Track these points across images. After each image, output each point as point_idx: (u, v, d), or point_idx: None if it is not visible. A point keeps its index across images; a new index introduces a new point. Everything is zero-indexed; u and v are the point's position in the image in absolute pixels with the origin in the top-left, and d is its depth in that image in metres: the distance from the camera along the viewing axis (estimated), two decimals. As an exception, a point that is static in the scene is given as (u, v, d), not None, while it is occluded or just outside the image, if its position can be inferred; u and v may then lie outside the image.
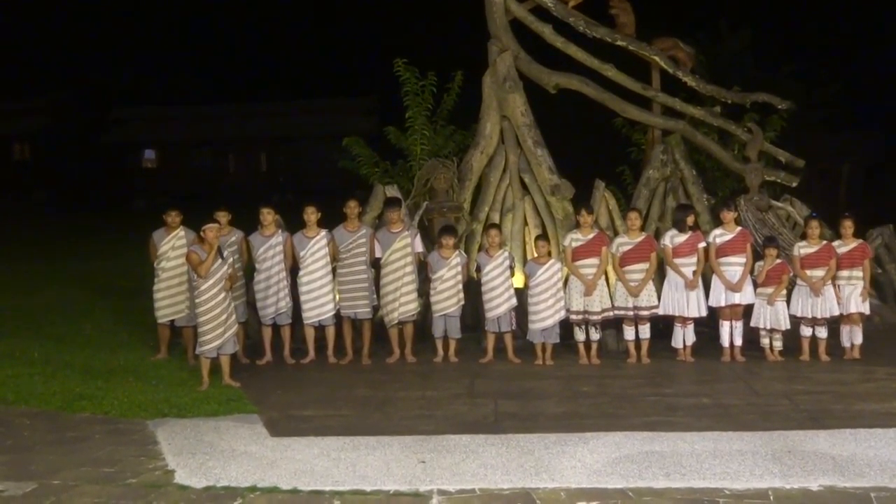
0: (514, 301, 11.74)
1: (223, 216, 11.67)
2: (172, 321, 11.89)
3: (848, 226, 11.67)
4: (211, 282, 10.25)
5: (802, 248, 11.61)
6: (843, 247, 11.60)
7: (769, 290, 11.50)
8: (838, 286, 11.55)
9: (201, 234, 10.43)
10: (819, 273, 11.44)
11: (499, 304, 11.65)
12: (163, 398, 9.77)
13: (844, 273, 11.54)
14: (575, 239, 11.70)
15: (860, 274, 11.56)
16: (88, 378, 10.68)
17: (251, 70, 52.06)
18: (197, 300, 10.41)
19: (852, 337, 11.55)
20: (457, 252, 11.90)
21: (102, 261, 20.82)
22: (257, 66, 52.34)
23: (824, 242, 11.65)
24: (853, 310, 11.48)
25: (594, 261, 11.56)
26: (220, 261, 10.33)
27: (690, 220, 11.71)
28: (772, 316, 11.50)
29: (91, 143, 44.19)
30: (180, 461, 7.77)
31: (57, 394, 10.00)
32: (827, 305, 11.40)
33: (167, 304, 11.79)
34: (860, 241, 11.85)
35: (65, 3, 46.22)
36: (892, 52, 39.08)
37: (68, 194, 40.94)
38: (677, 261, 11.52)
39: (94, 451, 8.06)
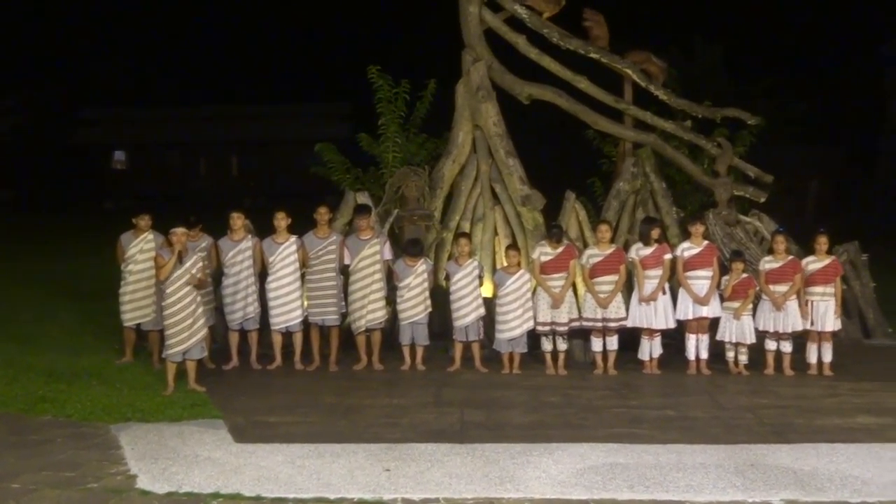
0: (482, 310, 11.75)
1: (194, 226, 11.62)
2: (138, 325, 11.80)
3: (822, 242, 11.67)
4: (177, 285, 10.18)
5: (768, 263, 11.68)
6: (817, 263, 11.62)
7: (735, 304, 11.57)
8: (812, 302, 11.57)
9: (169, 237, 10.38)
10: (782, 288, 11.50)
11: (467, 313, 11.66)
12: (127, 402, 9.70)
13: (818, 289, 11.54)
14: (544, 253, 11.72)
15: (833, 290, 11.62)
16: (52, 381, 10.59)
17: (224, 73, 51.79)
18: (163, 304, 10.34)
19: (822, 354, 11.59)
20: (422, 259, 11.89)
21: (69, 262, 20.63)
22: (230, 68, 52.08)
23: (790, 258, 11.71)
24: (828, 328, 11.54)
25: (563, 274, 11.60)
26: (183, 266, 10.24)
27: (655, 233, 11.75)
28: (737, 330, 11.57)
29: (60, 143, 43.79)
30: (143, 466, 7.71)
31: (19, 396, 9.90)
32: (790, 320, 11.46)
33: (133, 307, 11.69)
34: (833, 257, 11.94)
35: (34, 1, 45.82)
36: (860, 72, 39.56)
37: (36, 194, 40.59)
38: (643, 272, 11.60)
39: (55, 455, 7.99)
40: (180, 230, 10.40)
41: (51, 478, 7.39)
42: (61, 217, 33.00)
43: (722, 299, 11.64)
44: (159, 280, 10.22)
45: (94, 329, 13.58)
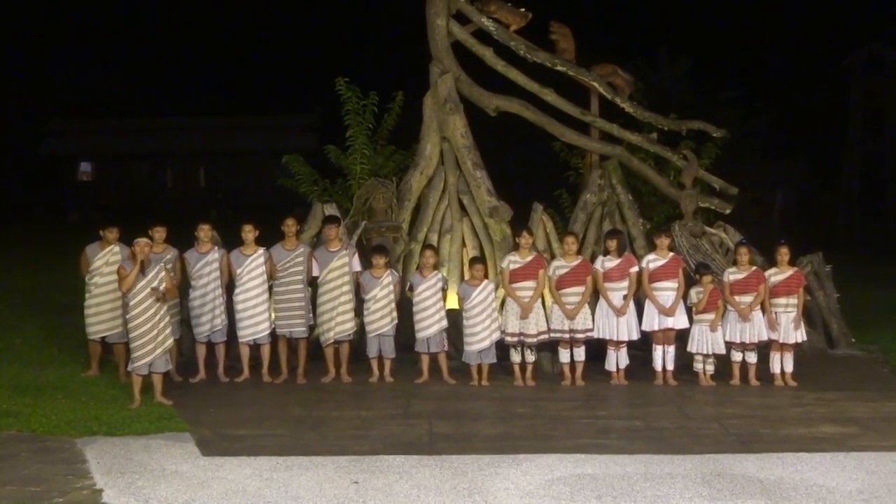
0: (444, 322, 11.75)
1: (158, 232, 11.54)
2: (104, 337, 11.70)
3: (784, 253, 11.79)
4: (140, 297, 10.13)
5: (732, 275, 11.78)
6: (780, 274, 11.72)
7: (709, 316, 11.65)
8: (775, 314, 11.67)
9: (132, 248, 10.32)
10: (747, 299, 11.61)
11: (429, 325, 11.67)
12: (93, 416, 9.61)
13: (781, 300, 11.64)
14: (513, 261, 11.76)
15: (796, 301, 11.72)
16: (16, 394, 10.46)
17: (191, 83, 51.49)
18: (128, 316, 10.28)
19: (784, 364, 11.72)
20: (388, 271, 11.89)
21: (34, 274, 20.38)
22: (197, 79, 51.81)
23: (754, 269, 11.83)
24: (791, 340, 11.64)
25: (531, 283, 11.64)
26: (146, 278, 10.18)
27: (613, 244, 11.82)
28: (711, 341, 11.65)
29: (25, 154, 43.32)
30: (109, 480, 7.65)
31: (-18, 410, 9.78)
32: (756, 330, 11.57)
33: (98, 320, 11.59)
34: (796, 268, 12.06)
35: None
36: (823, 85, 40.06)
37: (0, 206, 40.11)
38: (608, 285, 11.68)
39: (20, 470, 7.90)
40: (143, 241, 10.35)
41: (15, 493, 7.31)
42: (26, 228, 32.60)
43: (690, 311, 11.74)
44: (122, 292, 10.15)
45: (59, 342, 13.44)
